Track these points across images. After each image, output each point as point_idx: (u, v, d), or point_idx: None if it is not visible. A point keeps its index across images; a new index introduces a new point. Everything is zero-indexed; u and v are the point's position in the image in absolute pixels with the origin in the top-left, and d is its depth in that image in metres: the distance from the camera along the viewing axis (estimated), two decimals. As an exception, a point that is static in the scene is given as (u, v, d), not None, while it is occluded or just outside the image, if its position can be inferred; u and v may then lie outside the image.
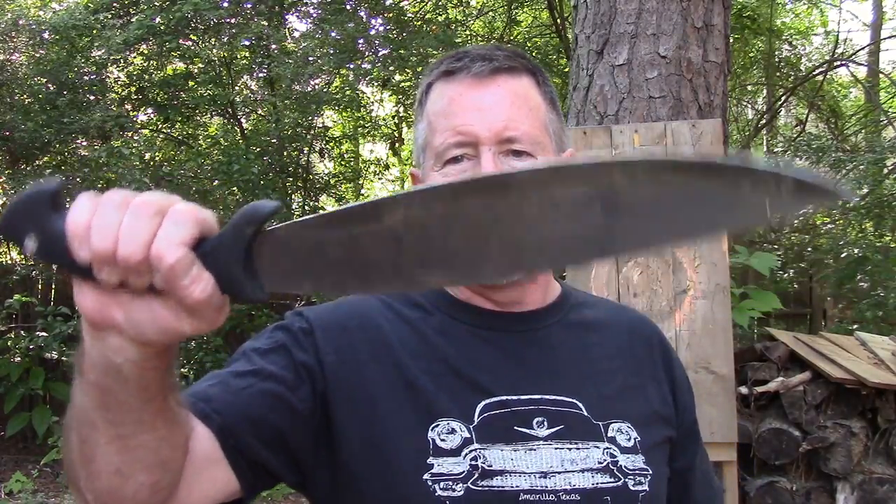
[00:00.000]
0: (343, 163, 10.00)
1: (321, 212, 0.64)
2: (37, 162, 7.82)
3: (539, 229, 0.58)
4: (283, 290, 0.67)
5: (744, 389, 3.60)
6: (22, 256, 8.25)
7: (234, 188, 7.63)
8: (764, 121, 10.57)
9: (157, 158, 8.34)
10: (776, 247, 7.34)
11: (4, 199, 8.04)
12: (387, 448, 1.00)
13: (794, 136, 9.93)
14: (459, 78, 1.06)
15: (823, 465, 3.51)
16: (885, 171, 7.47)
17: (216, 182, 7.74)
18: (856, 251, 6.66)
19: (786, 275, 6.86)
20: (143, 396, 0.74)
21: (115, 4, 8.11)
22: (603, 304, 1.25)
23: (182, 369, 6.91)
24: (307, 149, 8.37)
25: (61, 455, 0.85)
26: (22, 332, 7.04)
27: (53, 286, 7.75)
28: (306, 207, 8.36)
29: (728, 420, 2.51)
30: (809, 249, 7.26)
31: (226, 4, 8.09)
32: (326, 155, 8.96)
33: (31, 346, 6.73)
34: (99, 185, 7.57)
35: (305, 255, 0.62)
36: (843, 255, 6.83)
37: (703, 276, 2.56)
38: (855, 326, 6.20)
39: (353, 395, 1.02)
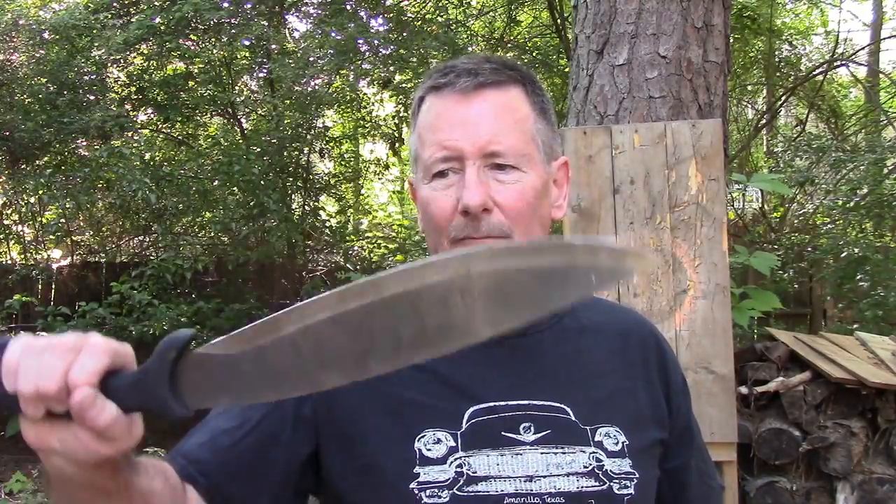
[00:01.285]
0: (343, 163, 10.00)
1: (231, 333, 0.71)
2: (37, 162, 7.81)
3: (411, 323, 0.66)
4: (206, 406, 0.76)
5: (744, 389, 3.60)
6: (22, 256, 8.25)
7: (235, 188, 7.63)
8: (764, 121, 10.57)
9: (157, 158, 8.33)
10: (776, 247, 7.34)
11: (4, 198, 8.04)
12: (374, 462, 1.03)
13: (794, 136, 9.93)
14: (446, 93, 1.09)
15: (823, 465, 3.51)
16: (885, 171, 7.46)
17: (216, 182, 7.74)
18: (856, 251, 6.66)
19: (786, 275, 6.85)
20: (102, 495, 0.81)
21: (115, 4, 8.11)
22: (601, 307, 1.25)
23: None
24: (307, 149, 8.37)
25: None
26: (22, 332, 7.03)
27: (53, 286, 7.75)
28: (306, 207, 8.37)
29: (728, 420, 2.52)
30: (809, 249, 7.26)
31: (226, 4, 8.09)
32: (326, 155, 8.96)
33: (31, 346, 6.72)
34: (99, 185, 7.58)
35: (222, 374, 0.71)
36: (843, 255, 6.82)
37: (703, 276, 2.56)
38: (855, 326, 6.21)
39: (340, 414, 1.05)
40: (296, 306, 0.68)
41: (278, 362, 0.69)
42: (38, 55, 7.84)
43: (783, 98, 10.21)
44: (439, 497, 1.00)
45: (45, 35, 7.76)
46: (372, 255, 8.52)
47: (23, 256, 8.27)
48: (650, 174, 2.60)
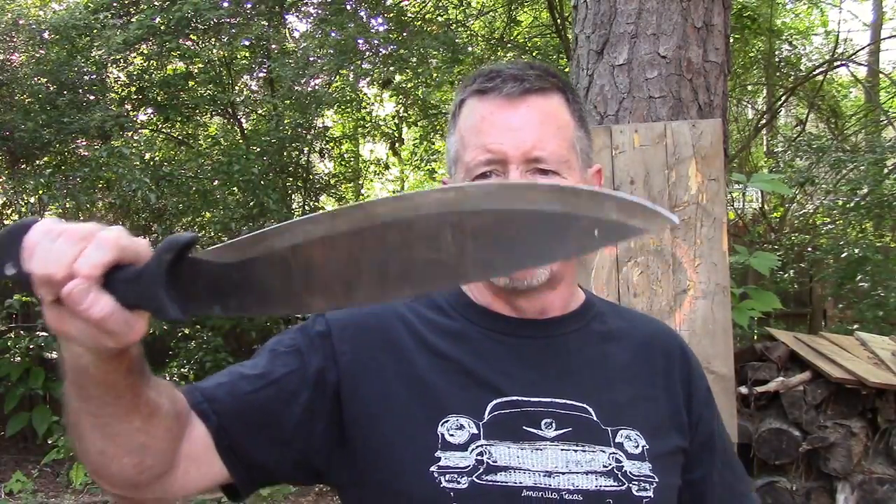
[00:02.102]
0: (343, 163, 10.00)
1: (228, 241, 0.71)
2: (37, 162, 7.81)
3: (400, 256, 0.64)
4: (200, 313, 0.75)
5: (744, 389, 3.60)
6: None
7: (235, 188, 7.63)
8: (764, 121, 10.57)
9: (157, 158, 8.33)
10: (776, 247, 7.34)
11: (4, 198, 8.04)
12: (397, 441, 1.05)
13: (794, 136, 9.93)
14: (491, 97, 1.11)
15: (823, 465, 3.51)
16: (886, 171, 7.46)
17: (216, 182, 7.74)
18: (856, 251, 6.65)
19: (786, 275, 6.85)
20: (113, 393, 0.84)
21: (115, 4, 8.11)
22: (628, 315, 1.28)
23: (182, 369, 6.91)
24: (307, 149, 8.37)
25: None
26: (22, 332, 7.04)
27: (53, 286, 7.73)
28: (306, 207, 8.37)
29: (728, 420, 2.51)
30: (809, 249, 7.26)
31: (226, 4, 8.09)
32: (326, 155, 8.96)
33: (31, 346, 6.73)
34: (99, 185, 7.58)
35: (214, 280, 0.71)
36: (843, 255, 6.82)
37: (703, 276, 2.56)
38: (855, 326, 6.21)
39: (366, 391, 1.07)
40: (288, 223, 0.67)
41: (267, 277, 0.69)
42: (38, 55, 7.83)
43: (783, 98, 10.20)
44: (458, 483, 1.02)
45: (45, 35, 7.75)
46: (372, 255, 8.52)
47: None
48: (650, 174, 2.60)
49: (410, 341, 1.10)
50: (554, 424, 1.06)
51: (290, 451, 1.05)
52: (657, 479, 1.07)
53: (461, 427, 1.04)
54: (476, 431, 1.04)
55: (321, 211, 0.68)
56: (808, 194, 8.40)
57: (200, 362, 6.88)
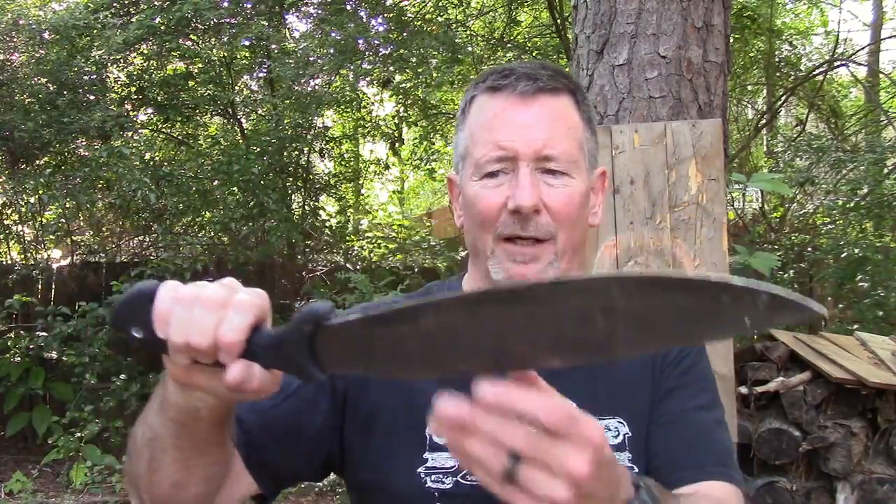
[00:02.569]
0: (343, 163, 9.99)
1: (368, 312, 0.73)
2: (37, 162, 7.81)
3: (549, 333, 0.67)
4: (340, 373, 0.80)
5: (744, 389, 3.60)
6: (22, 256, 8.25)
7: (234, 188, 7.62)
8: (764, 121, 10.57)
9: (157, 158, 8.33)
10: (776, 247, 7.34)
11: (4, 198, 8.04)
12: (390, 444, 1.09)
13: (794, 136, 9.92)
14: (504, 94, 1.11)
15: (823, 465, 3.51)
16: (886, 171, 7.46)
17: (216, 182, 7.73)
18: (856, 251, 6.65)
19: (786, 275, 6.85)
20: (211, 431, 0.90)
21: (115, 4, 8.10)
22: None
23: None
24: (307, 149, 8.36)
25: (124, 462, 1.05)
26: (22, 332, 7.03)
27: (53, 286, 7.74)
28: (306, 207, 8.37)
29: (728, 420, 2.51)
30: (810, 250, 7.25)
31: (226, 4, 8.08)
32: (326, 155, 8.95)
33: (31, 346, 6.72)
34: (99, 185, 7.58)
35: (356, 348, 0.74)
36: (843, 256, 6.82)
37: (703, 276, 2.55)
38: (855, 326, 6.20)
39: (365, 398, 1.12)
40: (434, 300, 0.69)
41: (412, 349, 0.71)
42: (38, 55, 7.83)
43: (783, 98, 10.20)
44: (443, 483, 1.05)
45: (45, 35, 7.75)
46: (372, 255, 8.52)
47: (23, 256, 8.26)
48: (650, 174, 2.60)
49: None
50: None
51: (316, 455, 1.12)
52: (636, 470, 1.07)
53: None
54: None
55: (466, 292, 0.69)
56: (808, 194, 8.40)
57: (200, 362, 6.87)
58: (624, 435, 1.09)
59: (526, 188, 1.06)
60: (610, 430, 1.09)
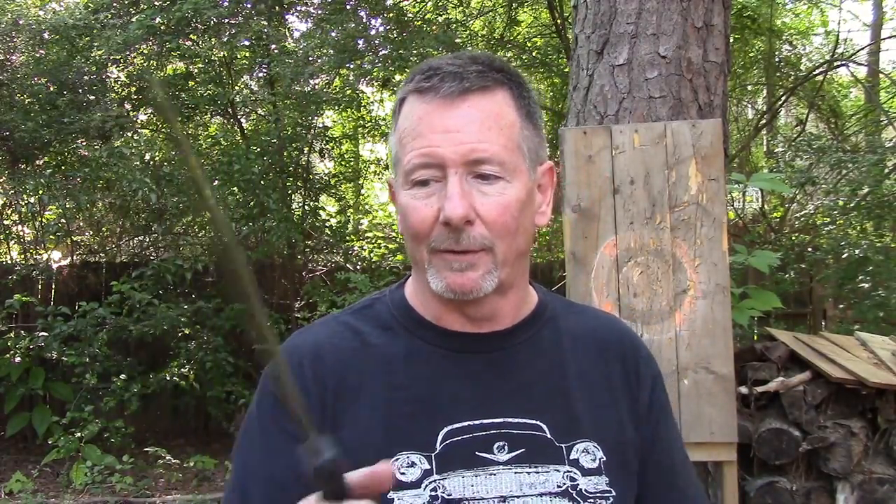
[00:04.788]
0: (343, 163, 9.99)
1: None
2: (37, 162, 7.81)
3: None
4: None
5: (744, 389, 3.60)
6: (22, 256, 8.25)
7: (235, 188, 7.62)
8: (764, 121, 10.56)
9: (157, 158, 8.33)
10: (777, 247, 7.34)
11: (4, 199, 8.04)
12: None
13: (794, 136, 9.92)
14: (429, 97, 1.04)
15: (823, 465, 3.51)
16: (886, 171, 7.46)
17: (216, 182, 7.73)
18: (856, 252, 6.65)
19: (786, 276, 6.85)
20: None
21: (115, 4, 8.10)
22: (580, 315, 1.22)
23: (182, 369, 6.91)
24: (307, 149, 8.36)
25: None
26: (22, 332, 7.03)
27: (53, 286, 7.74)
28: (306, 207, 8.37)
29: (728, 420, 2.51)
30: (810, 250, 7.25)
31: (226, 4, 8.08)
32: (326, 155, 8.95)
33: (31, 346, 6.72)
34: (99, 185, 7.57)
35: None
36: (843, 256, 6.82)
37: (703, 276, 2.56)
38: (856, 327, 6.20)
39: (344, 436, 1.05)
40: None
41: None
42: (38, 55, 7.83)
43: (783, 98, 10.20)
44: None
45: (45, 35, 7.75)
46: (372, 255, 8.52)
47: (23, 256, 8.26)
48: (650, 174, 2.60)
49: (356, 378, 1.07)
50: (507, 447, 1.03)
51: None
52: (614, 494, 1.05)
53: (412, 464, 1.02)
54: (428, 466, 1.02)
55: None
56: (809, 194, 8.39)
57: (201, 362, 6.88)
58: (600, 459, 1.07)
59: (455, 199, 0.99)
60: (588, 452, 1.06)
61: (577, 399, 1.09)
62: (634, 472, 1.11)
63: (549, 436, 1.05)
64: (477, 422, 1.04)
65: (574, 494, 1.03)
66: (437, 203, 1.02)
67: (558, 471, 1.04)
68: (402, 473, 1.01)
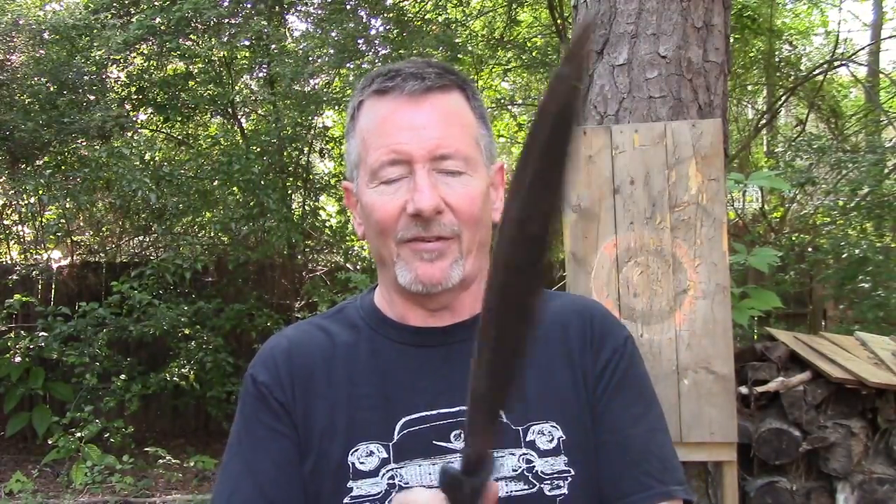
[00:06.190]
0: (343, 163, 9.98)
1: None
2: (37, 162, 7.81)
3: None
4: None
5: (744, 389, 3.60)
6: (22, 256, 8.25)
7: (235, 188, 7.62)
8: (764, 121, 10.57)
9: (157, 158, 8.33)
10: (777, 247, 7.33)
11: (4, 199, 8.03)
12: (316, 478, 1.07)
13: (794, 136, 9.92)
14: (392, 96, 1.07)
15: (823, 465, 3.51)
16: (886, 171, 7.45)
17: (216, 182, 7.73)
18: (856, 252, 6.64)
19: (787, 276, 6.85)
20: None
21: (115, 4, 8.10)
22: (551, 302, 1.21)
23: (182, 369, 6.91)
24: (307, 149, 8.36)
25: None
26: (22, 332, 7.03)
27: (53, 286, 7.74)
28: (306, 207, 8.37)
29: (728, 420, 2.51)
30: (810, 250, 7.25)
31: (226, 4, 8.08)
32: (326, 155, 8.94)
33: (31, 346, 6.72)
34: (99, 185, 7.57)
35: None
36: (843, 256, 6.81)
37: (703, 276, 2.55)
38: (856, 327, 6.20)
39: (303, 423, 1.10)
40: None
41: None
42: (38, 55, 7.83)
43: (783, 98, 10.20)
44: None
45: (45, 35, 7.74)
46: (372, 255, 8.51)
47: (23, 256, 8.26)
48: (650, 174, 2.60)
49: (324, 373, 1.12)
50: (462, 434, 1.04)
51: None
52: (573, 472, 1.05)
53: (371, 453, 1.05)
54: (386, 455, 1.05)
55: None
56: (809, 194, 8.39)
57: (201, 362, 6.88)
58: (558, 438, 1.07)
59: (425, 190, 1.03)
60: (544, 434, 1.06)
61: (531, 381, 1.09)
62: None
63: (504, 420, 1.06)
64: (434, 412, 1.06)
65: (530, 477, 1.04)
66: (404, 196, 1.05)
67: (514, 454, 1.05)
68: (362, 463, 1.05)
